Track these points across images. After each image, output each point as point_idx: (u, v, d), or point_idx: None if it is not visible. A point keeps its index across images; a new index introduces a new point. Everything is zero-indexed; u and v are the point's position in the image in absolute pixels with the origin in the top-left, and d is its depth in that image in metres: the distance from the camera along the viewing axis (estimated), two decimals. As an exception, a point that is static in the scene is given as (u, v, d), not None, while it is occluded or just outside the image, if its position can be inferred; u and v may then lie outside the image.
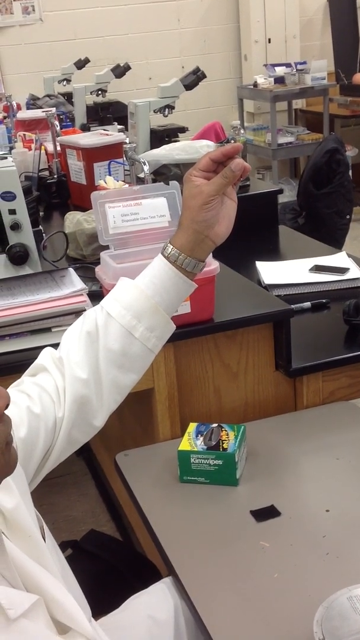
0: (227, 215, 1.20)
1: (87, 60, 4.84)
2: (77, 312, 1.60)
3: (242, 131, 2.75)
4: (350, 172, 3.76)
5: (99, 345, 1.18)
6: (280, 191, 2.82)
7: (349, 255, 2.40)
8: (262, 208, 2.68)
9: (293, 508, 1.41)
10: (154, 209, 1.61)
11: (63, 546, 1.31)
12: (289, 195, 4.78)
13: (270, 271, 2.27)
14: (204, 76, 3.02)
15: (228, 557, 1.30)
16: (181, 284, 1.20)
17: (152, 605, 1.27)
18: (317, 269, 2.26)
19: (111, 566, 1.74)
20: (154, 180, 2.38)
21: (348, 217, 3.59)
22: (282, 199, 2.98)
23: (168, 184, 1.62)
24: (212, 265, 1.62)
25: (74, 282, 1.66)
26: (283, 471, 1.54)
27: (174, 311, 1.23)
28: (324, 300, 2.09)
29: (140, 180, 2.39)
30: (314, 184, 3.59)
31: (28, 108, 4.37)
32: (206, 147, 2.57)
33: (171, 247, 1.19)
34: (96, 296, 1.70)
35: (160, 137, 3.13)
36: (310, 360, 1.81)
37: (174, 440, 1.67)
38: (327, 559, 1.26)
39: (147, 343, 1.19)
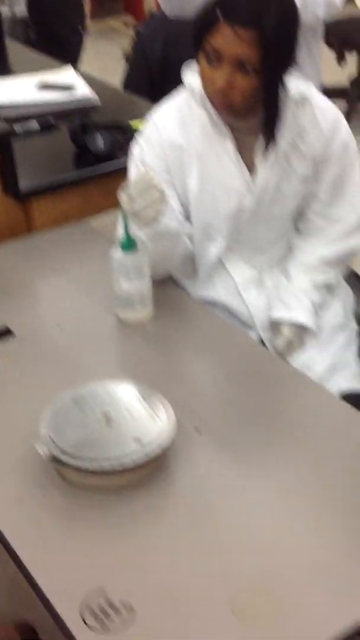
0: None
1: None
2: None
3: None
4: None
5: None
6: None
7: (77, 71, 2.34)
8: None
9: (26, 328, 1.46)
10: None
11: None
12: (20, 10, 4.40)
13: (-6, 90, 2.15)
14: None
15: None
16: None
17: None
18: (44, 86, 2.18)
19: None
20: None
21: (81, 28, 3.44)
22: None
23: None
24: None
25: None
26: (17, 294, 1.56)
27: None
28: (51, 120, 2.05)
29: None
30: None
31: None
32: None
33: None
34: None
35: None
36: (39, 182, 1.79)
37: None
38: (56, 367, 1.34)
39: None
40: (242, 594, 0.92)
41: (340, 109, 1.50)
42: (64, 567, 0.98)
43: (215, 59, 1.28)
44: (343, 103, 3.90)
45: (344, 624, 0.88)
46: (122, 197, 1.32)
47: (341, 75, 4.14)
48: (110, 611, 0.91)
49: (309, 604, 0.91)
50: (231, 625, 0.89)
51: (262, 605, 0.91)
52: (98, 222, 1.86)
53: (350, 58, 4.13)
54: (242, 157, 1.44)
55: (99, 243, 1.72)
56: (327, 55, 3.88)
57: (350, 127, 1.47)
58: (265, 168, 1.42)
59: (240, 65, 1.26)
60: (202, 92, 1.37)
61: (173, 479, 1.10)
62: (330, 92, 3.62)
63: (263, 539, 1.00)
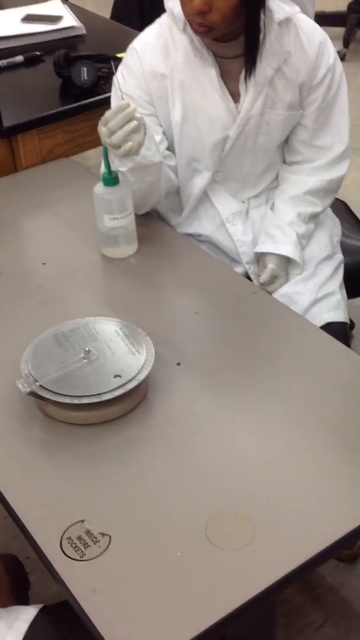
0: None
1: None
2: None
3: None
4: None
5: None
6: None
7: (64, 2, 2.26)
8: None
9: (11, 266, 1.44)
10: None
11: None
12: None
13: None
14: None
15: None
16: None
17: None
18: (29, 18, 2.11)
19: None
20: None
21: None
22: None
23: None
24: None
25: None
26: (2, 232, 1.54)
27: None
28: (37, 53, 1.99)
29: None
30: None
31: None
32: None
33: None
34: None
35: None
36: (23, 118, 1.75)
37: None
38: (41, 304, 1.33)
39: None
40: (216, 518, 0.93)
41: (338, 36, 1.44)
42: (45, 500, 0.99)
43: None
44: (341, 29, 3.75)
45: (318, 549, 0.89)
46: (102, 129, 1.28)
47: (339, 1, 3.97)
48: (89, 542, 0.92)
49: (283, 529, 0.92)
50: (205, 550, 0.90)
51: (236, 530, 0.92)
52: (84, 158, 1.82)
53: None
54: (226, 86, 1.39)
55: (85, 179, 1.69)
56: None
57: (348, 53, 1.41)
58: (249, 95, 1.37)
59: None
60: (184, 16, 1.31)
61: (153, 413, 1.10)
62: (328, 18, 3.49)
63: (240, 467, 1.01)
